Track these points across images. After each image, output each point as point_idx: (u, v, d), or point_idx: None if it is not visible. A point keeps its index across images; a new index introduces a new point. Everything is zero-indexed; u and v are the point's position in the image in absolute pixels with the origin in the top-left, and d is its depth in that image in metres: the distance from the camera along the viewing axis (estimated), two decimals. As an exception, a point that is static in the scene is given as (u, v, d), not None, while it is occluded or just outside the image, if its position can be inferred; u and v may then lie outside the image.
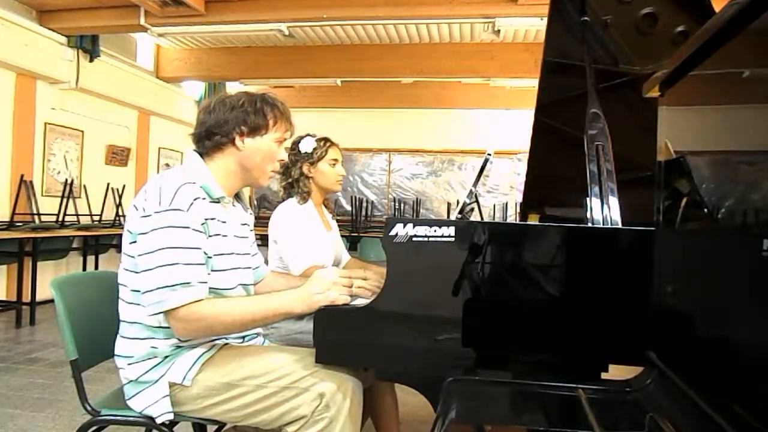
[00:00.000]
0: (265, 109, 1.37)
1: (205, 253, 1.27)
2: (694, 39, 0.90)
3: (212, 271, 1.31)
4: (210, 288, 1.28)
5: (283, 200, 2.07)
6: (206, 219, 1.29)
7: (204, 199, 1.30)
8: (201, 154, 1.38)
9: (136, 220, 1.25)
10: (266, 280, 1.64)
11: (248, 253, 1.50)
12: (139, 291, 1.25)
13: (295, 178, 2.05)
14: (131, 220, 1.27)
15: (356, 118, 8.42)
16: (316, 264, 1.91)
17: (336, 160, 2.08)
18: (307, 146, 2.05)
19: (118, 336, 1.35)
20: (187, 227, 1.23)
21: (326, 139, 2.10)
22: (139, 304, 1.28)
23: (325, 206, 2.19)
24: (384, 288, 1.23)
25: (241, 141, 1.35)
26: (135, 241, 1.25)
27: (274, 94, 1.43)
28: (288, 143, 1.50)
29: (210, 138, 1.35)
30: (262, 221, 2.15)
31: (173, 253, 1.20)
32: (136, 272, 1.26)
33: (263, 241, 2.12)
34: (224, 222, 1.36)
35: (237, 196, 1.48)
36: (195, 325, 1.23)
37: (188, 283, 1.20)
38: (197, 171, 1.33)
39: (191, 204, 1.25)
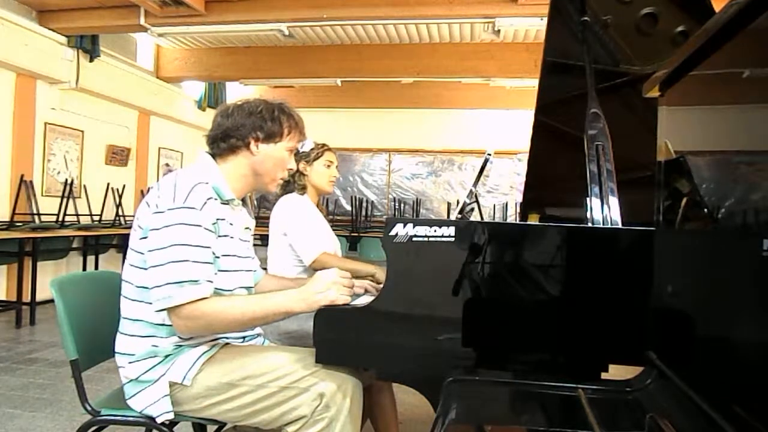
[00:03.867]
0: (282, 118, 1.41)
1: (213, 253, 1.28)
2: (694, 39, 0.90)
3: (218, 271, 1.32)
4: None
5: (281, 195, 2.13)
6: (217, 219, 1.31)
7: (216, 199, 1.32)
8: (213, 156, 1.40)
9: (147, 216, 1.26)
10: (261, 282, 1.65)
11: (249, 257, 1.51)
12: (145, 287, 1.26)
13: (291, 174, 2.11)
14: (143, 216, 1.29)
15: (356, 118, 8.43)
16: (327, 251, 1.97)
17: (331, 162, 2.21)
18: (305, 146, 2.16)
19: (118, 333, 1.35)
20: (199, 225, 1.24)
21: (324, 144, 2.23)
22: (142, 301, 1.29)
23: (319, 209, 2.24)
24: (384, 288, 1.23)
25: (256, 146, 1.38)
26: (146, 237, 1.26)
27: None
28: None
29: (225, 140, 1.38)
30: (262, 221, 2.16)
31: (184, 250, 1.21)
32: (144, 268, 1.26)
33: (263, 240, 2.14)
34: (231, 224, 1.38)
35: (242, 200, 1.49)
36: (196, 322, 1.23)
37: (196, 280, 1.21)
38: (210, 172, 1.36)
39: (204, 203, 1.27)
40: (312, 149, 2.17)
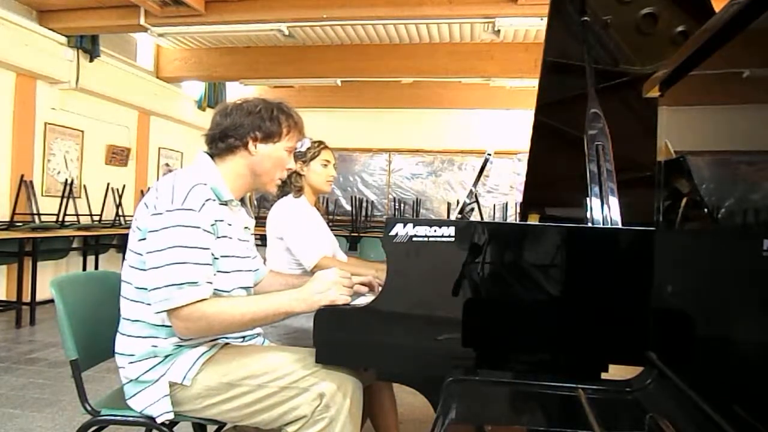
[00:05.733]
0: (281, 118, 1.40)
1: (212, 254, 1.28)
2: (694, 39, 0.90)
3: (216, 272, 1.31)
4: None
5: (278, 197, 2.11)
6: (216, 220, 1.30)
7: (214, 200, 1.31)
8: (212, 156, 1.40)
9: (146, 218, 1.26)
10: (265, 280, 1.65)
11: (249, 257, 1.51)
12: (144, 288, 1.26)
13: (287, 174, 2.08)
14: (141, 217, 1.28)
15: (356, 118, 8.42)
16: (327, 255, 1.95)
17: (328, 161, 2.16)
18: (302, 146, 2.11)
19: (118, 333, 1.35)
20: (198, 227, 1.24)
21: (321, 142, 2.18)
22: (142, 302, 1.29)
23: (317, 208, 2.23)
24: (384, 288, 1.23)
25: (254, 146, 1.38)
26: (144, 239, 1.26)
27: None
28: None
29: (224, 140, 1.37)
30: (262, 221, 2.15)
31: (183, 252, 1.21)
32: (143, 270, 1.26)
33: (263, 241, 2.14)
34: (230, 225, 1.38)
35: (241, 200, 1.49)
36: (196, 324, 1.23)
37: (195, 282, 1.21)
38: (208, 173, 1.35)
39: (203, 205, 1.26)
40: (308, 149, 2.13)
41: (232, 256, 1.38)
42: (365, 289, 1.61)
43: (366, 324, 1.23)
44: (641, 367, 1.15)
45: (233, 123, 1.37)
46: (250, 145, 1.37)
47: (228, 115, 1.38)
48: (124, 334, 1.33)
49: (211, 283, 1.26)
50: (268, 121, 1.38)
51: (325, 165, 2.15)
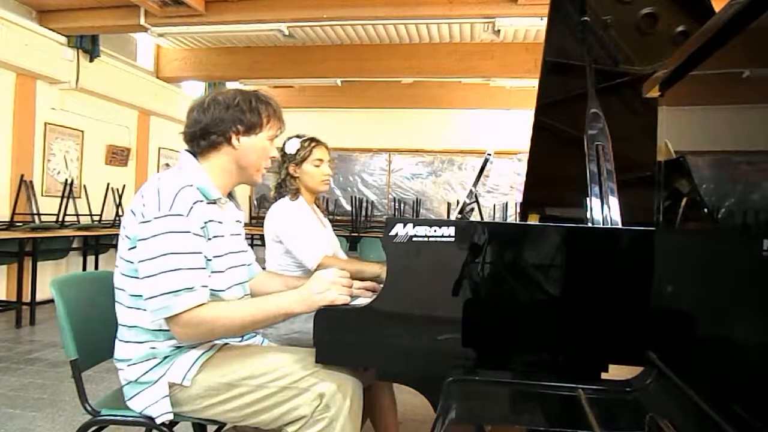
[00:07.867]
0: (260, 108, 1.37)
1: (205, 257, 1.27)
2: (694, 39, 0.90)
3: (211, 272, 1.31)
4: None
5: (275, 200, 2.08)
6: (205, 222, 1.28)
7: (202, 201, 1.29)
8: (194, 154, 1.37)
9: (134, 226, 1.24)
10: (261, 281, 1.62)
11: (243, 251, 1.50)
12: (140, 296, 1.25)
13: (282, 178, 2.07)
14: (129, 225, 1.26)
15: (356, 118, 8.42)
16: (328, 254, 1.95)
17: (321, 160, 2.08)
18: (291, 148, 2.06)
19: (117, 340, 1.35)
20: (188, 232, 1.22)
21: (312, 140, 2.10)
22: (138, 308, 1.28)
23: (317, 205, 2.20)
24: (384, 288, 1.23)
25: (237, 140, 1.35)
26: (134, 247, 1.24)
27: (265, 91, 1.44)
28: (278, 142, 1.50)
29: (205, 137, 1.34)
30: (261, 221, 2.14)
31: (175, 259, 1.20)
32: (136, 277, 1.25)
33: (263, 241, 2.13)
34: (221, 222, 1.36)
35: (229, 195, 1.47)
36: (196, 329, 1.22)
37: (191, 287, 1.20)
38: (193, 173, 1.33)
39: (191, 208, 1.24)
40: (298, 150, 2.05)
41: (226, 254, 1.37)
42: (368, 294, 1.60)
43: (366, 324, 1.23)
44: (641, 367, 1.15)
45: (213, 119, 1.33)
46: (233, 139, 1.34)
47: (206, 111, 1.34)
48: (122, 341, 1.33)
49: (206, 286, 1.25)
50: (248, 112, 1.35)
51: (318, 165, 2.07)
